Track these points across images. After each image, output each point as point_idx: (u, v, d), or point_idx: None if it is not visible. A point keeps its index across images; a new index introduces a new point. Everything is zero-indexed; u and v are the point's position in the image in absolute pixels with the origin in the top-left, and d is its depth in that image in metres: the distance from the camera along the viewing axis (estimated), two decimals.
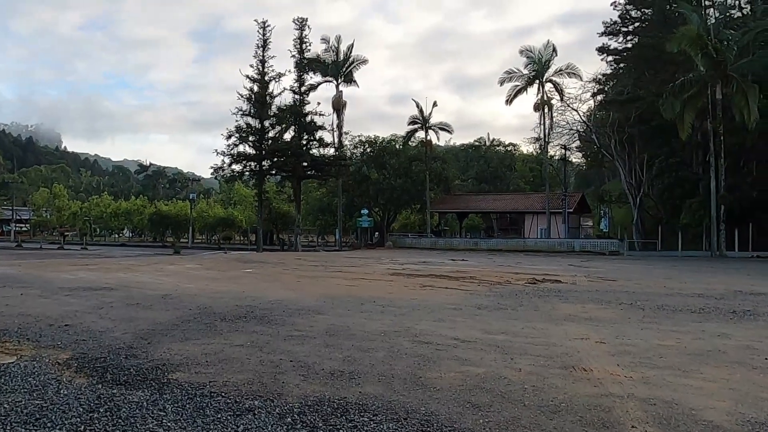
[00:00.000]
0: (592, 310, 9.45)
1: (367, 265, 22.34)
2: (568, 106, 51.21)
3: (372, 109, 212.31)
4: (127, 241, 70.48)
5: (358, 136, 55.47)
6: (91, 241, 64.15)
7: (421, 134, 53.51)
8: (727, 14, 42.34)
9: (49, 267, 19.06)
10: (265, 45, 40.78)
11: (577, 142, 61.74)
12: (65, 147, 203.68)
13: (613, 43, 54.55)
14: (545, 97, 45.62)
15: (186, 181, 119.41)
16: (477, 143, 79.68)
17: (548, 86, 46.01)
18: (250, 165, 41.77)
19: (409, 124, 52.31)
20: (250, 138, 40.94)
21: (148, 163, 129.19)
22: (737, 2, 46.36)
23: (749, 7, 43.40)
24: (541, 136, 59.61)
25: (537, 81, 45.26)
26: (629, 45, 54.04)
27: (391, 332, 7.48)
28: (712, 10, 43.77)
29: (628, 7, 53.00)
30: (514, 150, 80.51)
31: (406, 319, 8.49)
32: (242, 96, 40.54)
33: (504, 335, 7.32)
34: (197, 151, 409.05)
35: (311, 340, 7.04)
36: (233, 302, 10.34)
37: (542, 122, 47.34)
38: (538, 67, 44.91)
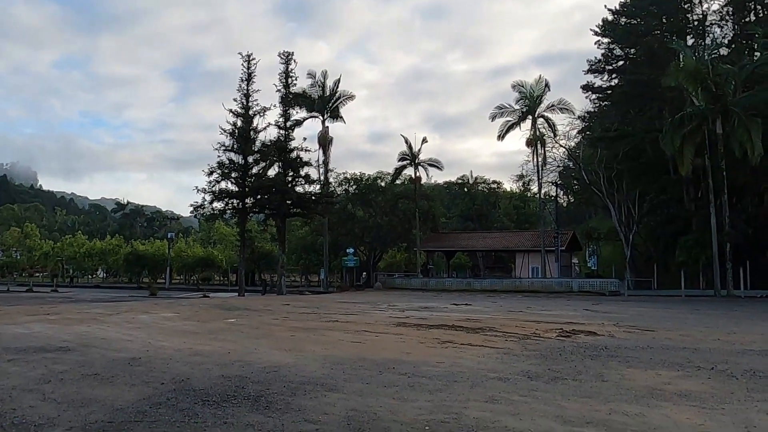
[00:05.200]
0: (673, 380, 7.55)
1: (364, 312, 20.23)
2: (557, 143, 50.53)
3: (352, 148, 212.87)
4: (101, 282, 67.35)
5: (343, 173, 54.02)
6: (63, 282, 60.92)
7: (408, 171, 52.15)
8: (717, 52, 42.26)
9: (4, 317, 16.64)
10: (249, 78, 39.29)
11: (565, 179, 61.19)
12: (41, 185, 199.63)
13: (598, 81, 54.61)
14: (537, 133, 44.67)
15: (164, 219, 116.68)
16: (461, 181, 78.71)
17: (539, 121, 45.16)
18: (232, 202, 39.65)
19: (398, 160, 51.04)
20: (233, 174, 38.97)
21: (125, 202, 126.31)
22: (725, 40, 46.58)
23: (743, 42, 43.39)
24: (528, 173, 58.84)
25: (529, 116, 44.38)
26: (613, 83, 54.09)
27: (438, 423, 5.48)
28: (702, 47, 43.76)
29: (612, 45, 53.18)
30: (498, 188, 79.69)
31: (447, 399, 6.48)
32: (225, 131, 38.79)
33: (593, 427, 5.36)
34: (176, 189, 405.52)
35: None
36: (217, 371, 8.24)
37: (534, 158, 46.30)
38: (530, 103, 44.14)
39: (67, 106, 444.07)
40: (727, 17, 48.28)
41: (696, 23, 48.69)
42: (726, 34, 48.27)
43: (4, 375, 7.93)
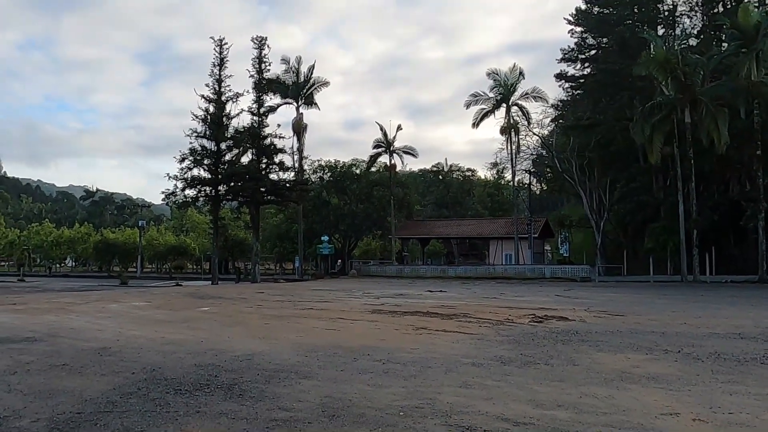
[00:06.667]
0: (641, 363, 7.72)
1: (339, 299, 20.22)
2: (531, 131, 50.95)
3: (326, 135, 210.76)
4: (69, 271, 65.97)
5: (318, 160, 53.62)
6: (30, 272, 59.47)
7: (384, 159, 52.03)
8: (686, 42, 43.01)
9: None
10: (222, 63, 38.51)
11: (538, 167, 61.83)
12: (5, 172, 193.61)
13: (571, 70, 55.10)
14: (511, 121, 44.94)
15: (135, 207, 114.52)
16: (436, 168, 78.90)
17: (514, 110, 45.44)
18: (204, 190, 39.00)
19: (373, 148, 50.79)
20: (205, 161, 38.30)
21: (94, 189, 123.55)
22: (694, 31, 47.40)
23: (711, 33, 44.17)
24: (502, 161, 59.31)
25: (504, 104, 44.57)
26: (586, 72, 54.64)
27: (413, 409, 5.51)
28: (672, 37, 44.46)
29: (585, 35, 53.63)
30: (472, 175, 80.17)
31: (422, 385, 6.52)
32: (197, 117, 38.05)
33: (564, 410, 5.45)
34: (147, 176, 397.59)
35: (305, 427, 5.00)
36: (190, 359, 8.14)
37: (509, 146, 46.60)
38: (504, 91, 44.29)
39: (30, 89, 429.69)
40: (696, 8, 49.13)
41: (666, 14, 49.43)
42: (695, 24, 49.17)
43: None
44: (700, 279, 33.72)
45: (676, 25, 49.20)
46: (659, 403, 5.70)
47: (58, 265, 68.22)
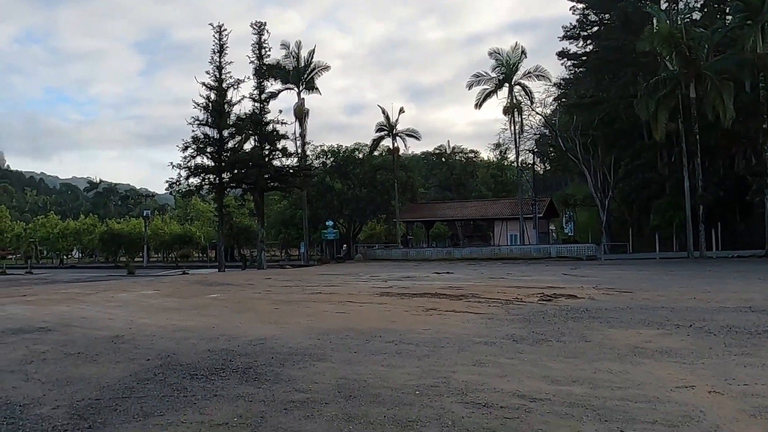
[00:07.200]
0: (654, 338, 7.73)
1: (347, 283, 20.28)
2: (533, 110, 50.63)
3: (327, 120, 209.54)
4: (76, 262, 66.32)
5: (320, 146, 53.59)
6: (37, 263, 59.84)
7: (386, 142, 51.88)
8: (689, 16, 42.47)
9: None
10: (222, 50, 38.35)
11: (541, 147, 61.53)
12: (8, 165, 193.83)
13: (573, 47, 54.55)
14: (514, 101, 44.65)
15: (139, 197, 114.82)
16: (438, 151, 78.65)
17: (516, 89, 45.11)
18: (208, 178, 39.04)
19: (376, 131, 50.72)
20: (208, 149, 38.29)
21: (98, 180, 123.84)
22: (697, 4, 46.77)
23: (715, 6, 43.57)
24: (505, 141, 59.03)
25: (506, 84, 44.25)
26: (588, 49, 54.09)
27: (428, 388, 5.54)
28: (675, 12, 43.87)
29: (587, 11, 53.01)
30: (475, 157, 79.91)
31: (435, 365, 6.55)
32: (198, 105, 37.98)
33: (579, 385, 5.47)
34: (150, 166, 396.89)
35: (322, 408, 5.03)
36: (204, 345, 8.19)
37: (512, 126, 46.36)
38: (506, 70, 43.96)
39: (29, 82, 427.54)
40: None
41: None
42: None
43: None
44: (707, 255, 33.69)
45: None
46: (674, 376, 5.71)
47: (65, 257, 68.61)
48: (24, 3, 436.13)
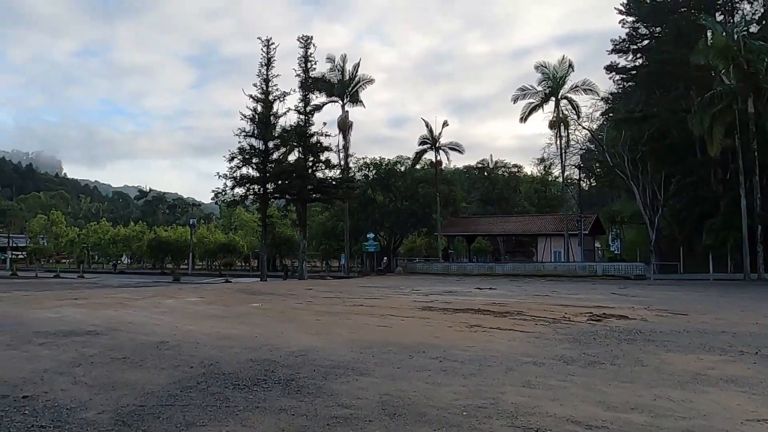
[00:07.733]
0: (716, 365, 7.27)
1: (388, 296, 20.12)
2: (580, 124, 49.59)
3: (370, 133, 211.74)
4: (125, 268, 68.35)
5: (363, 158, 53.67)
6: (89, 268, 61.96)
7: (429, 155, 51.69)
8: (746, 29, 40.93)
9: (33, 302, 16.87)
10: (269, 63, 39.08)
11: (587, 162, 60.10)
12: (65, 174, 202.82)
13: (622, 61, 53.35)
14: (560, 115, 43.84)
15: (186, 206, 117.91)
16: (481, 165, 77.83)
17: (563, 103, 44.31)
18: (253, 188, 39.70)
19: (419, 144, 50.57)
20: (254, 160, 38.95)
21: (148, 189, 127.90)
22: (755, 17, 45.09)
23: None
24: (550, 156, 57.94)
25: (552, 98, 43.53)
26: (638, 63, 52.78)
27: (475, 409, 5.31)
28: (731, 24, 42.39)
29: (637, 24, 51.84)
30: (518, 171, 78.71)
31: (482, 384, 6.30)
32: (245, 116, 38.77)
33: (638, 413, 5.14)
34: (197, 176, 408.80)
35: (366, 426, 4.87)
36: (246, 354, 8.16)
37: (557, 141, 45.49)
38: (553, 84, 43.24)
39: (87, 94, 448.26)
40: None
41: (724, 0, 47.19)
42: (756, 10, 46.71)
43: (36, 358, 7.95)
44: (765, 277, 32.07)
45: (735, 11, 46.92)
46: (742, 407, 5.31)
47: (117, 262, 70.91)
48: (83, 19, 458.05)
